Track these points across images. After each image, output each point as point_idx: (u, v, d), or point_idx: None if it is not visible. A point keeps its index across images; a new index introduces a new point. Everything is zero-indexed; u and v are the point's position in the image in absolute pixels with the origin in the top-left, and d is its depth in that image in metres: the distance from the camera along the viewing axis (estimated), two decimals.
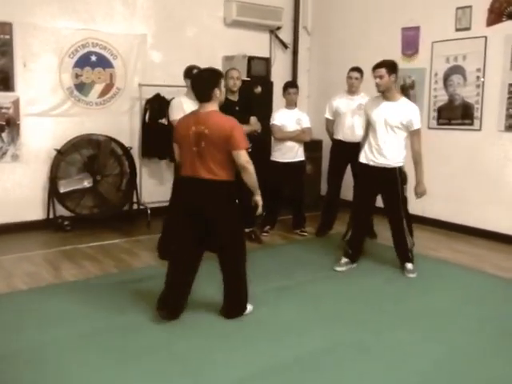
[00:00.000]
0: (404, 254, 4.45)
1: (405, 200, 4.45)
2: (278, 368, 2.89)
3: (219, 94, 3.41)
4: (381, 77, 4.23)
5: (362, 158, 4.46)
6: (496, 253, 5.10)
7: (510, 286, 4.24)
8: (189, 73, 4.60)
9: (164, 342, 3.17)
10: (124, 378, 2.77)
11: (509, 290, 4.16)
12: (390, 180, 4.37)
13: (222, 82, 3.47)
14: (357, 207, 4.62)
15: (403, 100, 4.40)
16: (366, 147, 4.46)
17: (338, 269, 4.47)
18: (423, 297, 3.96)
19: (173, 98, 4.80)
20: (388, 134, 4.32)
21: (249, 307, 3.54)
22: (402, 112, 4.28)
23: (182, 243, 3.46)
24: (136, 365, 2.90)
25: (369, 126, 4.48)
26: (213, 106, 3.41)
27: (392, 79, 4.25)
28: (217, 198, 3.38)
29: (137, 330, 3.31)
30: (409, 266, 4.42)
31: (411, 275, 4.36)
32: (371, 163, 4.38)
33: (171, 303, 3.43)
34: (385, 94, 4.31)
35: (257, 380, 2.79)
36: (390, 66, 4.28)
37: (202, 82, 3.43)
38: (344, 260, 4.53)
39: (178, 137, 3.48)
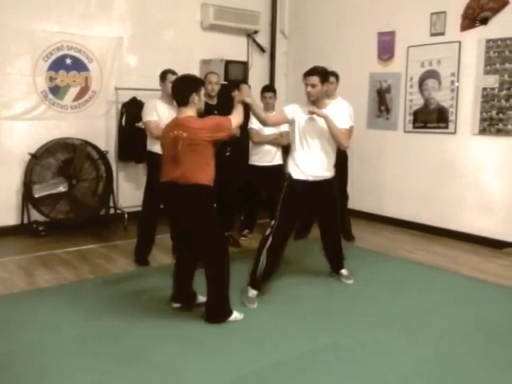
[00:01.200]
0: (339, 262, 4.35)
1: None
2: (258, 373, 2.87)
3: (197, 100, 3.42)
4: (313, 85, 3.87)
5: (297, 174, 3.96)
6: (471, 254, 5.17)
7: (485, 288, 4.29)
8: (164, 77, 4.58)
9: (141, 348, 3.13)
10: (101, 382, 2.73)
11: (484, 292, 4.21)
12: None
13: (203, 90, 3.48)
14: (282, 231, 3.98)
15: (332, 105, 4.10)
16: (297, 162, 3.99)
17: (252, 306, 3.78)
18: (401, 299, 3.98)
19: None
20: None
21: (237, 315, 3.50)
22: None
23: (176, 243, 3.64)
24: (113, 371, 2.86)
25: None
26: (190, 112, 3.40)
27: (324, 88, 3.93)
28: (191, 203, 3.35)
29: (113, 336, 3.27)
30: (344, 271, 4.34)
31: (349, 281, 4.27)
32: (310, 178, 3.95)
33: (181, 298, 3.65)
34: (314, 103, 3.94)
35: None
36: (323, 74, 3.93)
37: (181, 86, 3.45)
38: (253, 292, 3.93)
39: (161, 144, 3.54)
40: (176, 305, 3.66)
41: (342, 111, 4.14)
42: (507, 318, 3.68)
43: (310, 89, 3.89)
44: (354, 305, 3.85)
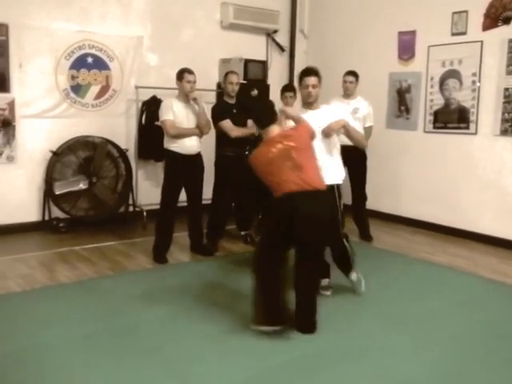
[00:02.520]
0: (347, 268, 4.00)
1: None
2: (270, 372, 2.88)
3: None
4: (314, 86, 3.78)
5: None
6: (490, 256, 5.11)
7: (503, 290, 4.24)
8: (181, 76, 4.61)
9: (155, 344, 3.15)
10: (113, 380, 2.76)
11: (503, 294, 4.17)
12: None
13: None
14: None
15: (324, 106, 4.01)
16: None
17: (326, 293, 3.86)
18: (418, 301, 3.95)
19: None
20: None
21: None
22: (324, 117, 3.82)
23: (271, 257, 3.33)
24: (126, 366, 2.89)
25: None
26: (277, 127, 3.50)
27: (320, 89, 3.86)
28: (330, 207, 3.46)
29: (128, 332, 3.30)
30: (353, 277, 3.99)
31: (358, 289, 4.00)
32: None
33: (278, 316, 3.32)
34: (312, 104, 3.86)
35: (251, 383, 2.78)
36: (319, 75, 3.84)
37: (268, 108, 3.62)
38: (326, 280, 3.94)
39: (263, 164, 3.42)
40: (271, 328, 3.27)
41: (337, 110, 4.04)
42: None
43: (311, 89, 3.79)
44: (370, 306, 3.83)
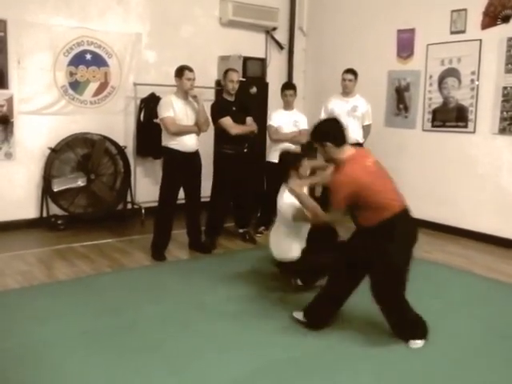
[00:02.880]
0: None
1: None
2: (272, 368, 2.89)
3: None
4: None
5: None
6: (487, 255, 5.13)
7: (500, 288, 4.26)
8: (180, 73, 4.60)
9: (154, 341, 3.16)
10: (112, 377, 2.77)
11: (499, 292, 4.18)
12: None
13: None
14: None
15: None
16: None
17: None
18: (415, 299, 3.95)
19: None
20: None
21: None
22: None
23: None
24: (124, 363, 2.90)
25: None
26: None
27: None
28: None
29: (127, 328, 3.31)
30: None
31: None
32: None
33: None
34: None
35: (249, 380, 2.79)
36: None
37: (339, 127, 3.27)
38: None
39: (367, 180, 3.07)
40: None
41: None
42: None
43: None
44: (367, 304, 3.83)
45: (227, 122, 4.94)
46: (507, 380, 2.88)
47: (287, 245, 3.83)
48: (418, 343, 3.16)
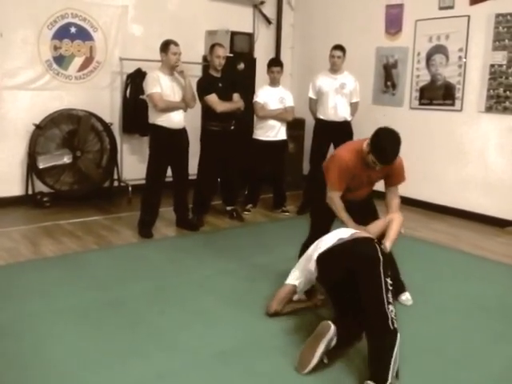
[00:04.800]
0: None
1: None
2: (259, 339, 2.92)
3: None
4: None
5: None
6: (473, 232, 5.19)
7: (485, 265, 4.33)
8: (166, 47, 4.52)
9: (141, 317, 3.17)
10: (99, 353, 2.78)
11: (484, 268, 4.26)
12: None
13: None
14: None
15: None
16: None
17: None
18: (401, 275, 4.00)
19: None
20: None
21: None
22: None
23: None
24: (110, 337, 2.92)
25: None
26: None
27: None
28: None
29: (113, 304, 3.32)
30: None
31: None
32: None
33: None
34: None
35: (236, 352, 2.82)
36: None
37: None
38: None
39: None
40: None
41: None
42: (504, 293, 3.74)
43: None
44: None
45: (213, 99, 4.89)
46: (494, 354, 2.94)
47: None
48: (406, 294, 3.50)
